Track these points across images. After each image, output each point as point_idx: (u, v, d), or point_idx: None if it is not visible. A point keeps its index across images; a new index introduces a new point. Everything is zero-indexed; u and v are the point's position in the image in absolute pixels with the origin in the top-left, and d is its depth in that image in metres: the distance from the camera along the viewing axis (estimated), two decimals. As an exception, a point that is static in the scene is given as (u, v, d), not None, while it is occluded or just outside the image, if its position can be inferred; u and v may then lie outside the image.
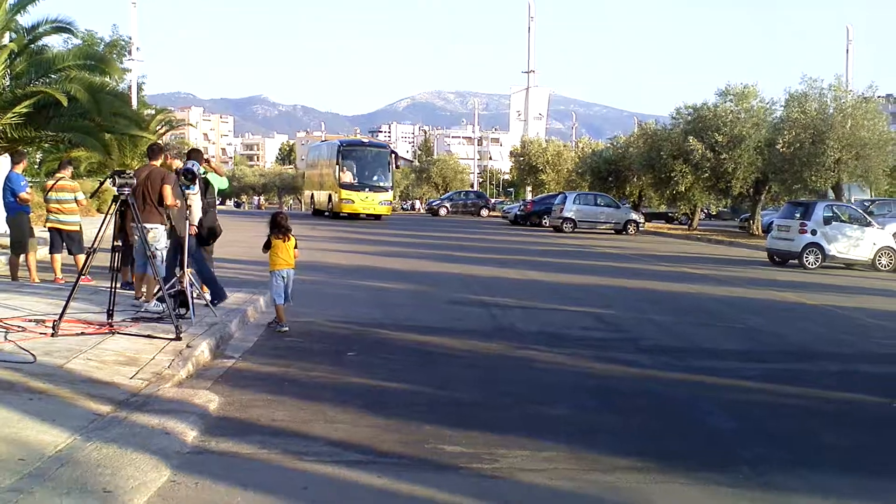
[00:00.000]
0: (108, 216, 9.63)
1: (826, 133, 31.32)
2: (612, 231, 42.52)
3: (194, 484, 5.41)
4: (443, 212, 64.85)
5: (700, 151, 38.55)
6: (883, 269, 24.19)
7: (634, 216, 44.18)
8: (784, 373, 9.87)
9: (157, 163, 11.88)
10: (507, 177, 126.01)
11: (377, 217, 43.94)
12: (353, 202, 42.89)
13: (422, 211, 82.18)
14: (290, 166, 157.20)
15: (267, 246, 11.17)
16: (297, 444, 6.31)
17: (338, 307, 13.22)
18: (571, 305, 14.75)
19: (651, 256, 27.63)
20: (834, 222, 24.58)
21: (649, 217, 52.45)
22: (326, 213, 46.05)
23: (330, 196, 45.08)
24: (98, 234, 9.38)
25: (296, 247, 11.34)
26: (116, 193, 9.46)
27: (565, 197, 44.07)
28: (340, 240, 28.53)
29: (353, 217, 43.35)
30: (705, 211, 59.81)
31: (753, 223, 41.24)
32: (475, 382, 8.76)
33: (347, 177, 43.35)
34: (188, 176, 10.77)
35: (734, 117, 38.76)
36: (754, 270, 23.52)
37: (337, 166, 43.43)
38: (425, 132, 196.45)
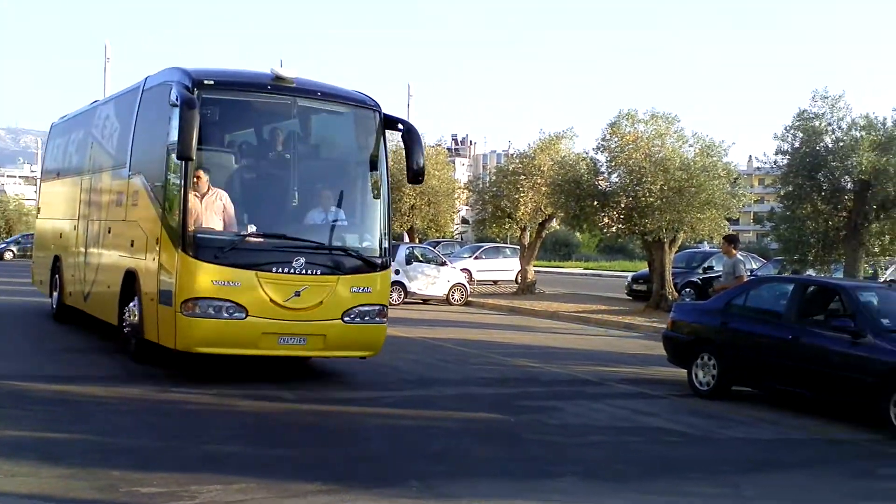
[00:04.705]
0: None
1: (400, 182, 34.04)
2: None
3: None
4: (8, 255, 59.40)
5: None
6: (456, 303, 27.06)
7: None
8: (413, 399, 11.09)
9: None
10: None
11: (362, 357, 11.69)
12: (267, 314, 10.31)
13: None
14: None
15: None
16: (-14, 501, 6.12)
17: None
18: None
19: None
20: (414, 262, 27.01)
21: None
22: (125, 332, 11.98)
23: (134, 276, 11.50)
24: None
25: None
26: None
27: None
28: None
29: (265, 361, 11.74)
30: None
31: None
32: (137, 428, 8.81)
33: (214, 211, 10.35)
34: None
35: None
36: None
37: (173, 175, 10.44)
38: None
